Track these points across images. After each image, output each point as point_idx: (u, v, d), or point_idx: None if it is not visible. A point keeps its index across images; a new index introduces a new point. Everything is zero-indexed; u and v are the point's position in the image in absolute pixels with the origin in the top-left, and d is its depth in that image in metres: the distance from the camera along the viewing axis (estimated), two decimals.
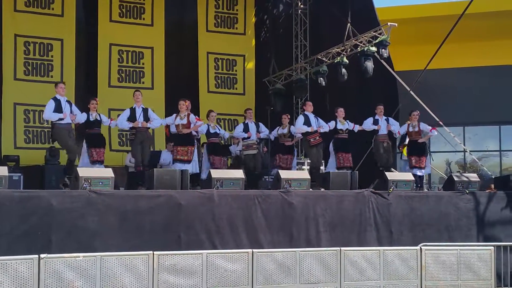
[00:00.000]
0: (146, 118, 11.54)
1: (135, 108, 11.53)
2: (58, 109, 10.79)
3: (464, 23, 13.24)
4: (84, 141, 11.37)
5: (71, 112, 10.93)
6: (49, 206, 8.39)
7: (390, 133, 12.94)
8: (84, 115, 11.29)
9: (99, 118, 11.51)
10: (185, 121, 11.78)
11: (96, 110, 11.51)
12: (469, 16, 13.66)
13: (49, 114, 10.83)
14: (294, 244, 9.55)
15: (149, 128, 11.69)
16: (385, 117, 12.93)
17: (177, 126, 11.87)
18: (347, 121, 12.73)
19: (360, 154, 13.98)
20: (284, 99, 16.86)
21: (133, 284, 7.80)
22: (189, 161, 11.70)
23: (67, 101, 10.98)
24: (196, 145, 12.46)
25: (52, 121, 10.92)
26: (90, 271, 7.59)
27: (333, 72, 14.88)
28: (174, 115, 11.96)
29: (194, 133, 12.16)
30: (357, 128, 12.85)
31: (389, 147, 12.87)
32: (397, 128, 12.93)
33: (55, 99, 10.87)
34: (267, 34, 18.27)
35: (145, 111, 11.57)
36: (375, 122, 12.82)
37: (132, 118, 11.46)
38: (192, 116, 11.94)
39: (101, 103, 14.63)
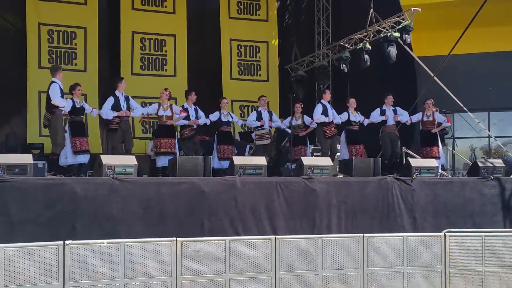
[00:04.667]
0: (128, 107, 11.36)
1: (118, 96, 11.33)
2: (62, 95, 10.44)
3: (487, 7, 13.04)
4: (68, 129, 10.92)
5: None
6: (73, 194, 8.47)
7: (402, 124, 12.77)
8: (70, 102, 10.85)
9: (83, 105, 11.14)
10: (169, 113, 11.66)
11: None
12: (493, 0, 13.44)
13: (59, 99, 10.33)
14: (316, 230, 9.56)
15: (129, 116, 11.46)
16: (393, 107, 12.80)
17: (160, 117, 11.72)
18: (358, 112, 12.66)
19: (372, 145, 13.75)
20: (306, 86, 16.80)
21: (157, 270, 7.85)
22: (173, 154, 11.41)
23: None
24: (196, 136, 12.33)
25: (55, 107, 10.35)
26: (114, 257, 7.65)
27: (356, 59, 14.77)
28: (157, 104, 11.82)
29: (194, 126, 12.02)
30: (366, 121, 12.77)
31: (396, 138, 12.75)
32: (405, 117, 12.80)
33: (58, 85, 10.41)
34: (290, 20, 18.18)
35: (127, 99, 11.42)
36: (382, 113, 12.71)
37: (116, 107, 11.21)
38: (175, 107, 11.83)
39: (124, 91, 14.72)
